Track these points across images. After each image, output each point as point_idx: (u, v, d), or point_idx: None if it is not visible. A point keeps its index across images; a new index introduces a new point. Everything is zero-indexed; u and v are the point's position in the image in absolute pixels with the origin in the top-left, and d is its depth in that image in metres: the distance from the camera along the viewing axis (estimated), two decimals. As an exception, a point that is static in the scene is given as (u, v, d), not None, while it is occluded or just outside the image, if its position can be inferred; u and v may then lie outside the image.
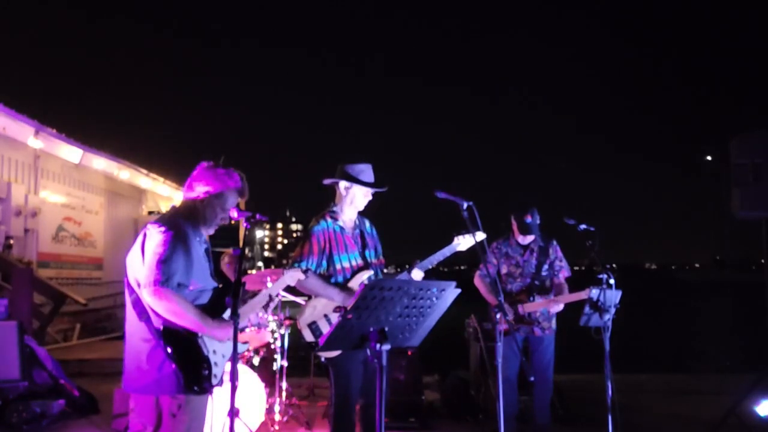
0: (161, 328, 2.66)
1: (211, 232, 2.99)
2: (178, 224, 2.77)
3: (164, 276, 2.60)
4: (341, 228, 3.69)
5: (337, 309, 3.51)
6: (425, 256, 3.80)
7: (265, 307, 3.08)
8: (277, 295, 5.69)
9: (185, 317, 2.63)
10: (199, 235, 2.89)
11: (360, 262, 3.69)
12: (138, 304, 2.70)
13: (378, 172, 3.75)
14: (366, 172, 3.71)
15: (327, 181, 3.79)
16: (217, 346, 2.78)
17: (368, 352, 2.45)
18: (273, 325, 5.51)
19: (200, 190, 2.88)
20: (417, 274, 3.74)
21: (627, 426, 4.40)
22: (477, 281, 4.77)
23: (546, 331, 4.64)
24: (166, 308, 2.61)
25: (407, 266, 3.87)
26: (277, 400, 5.38)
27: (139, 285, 2.68)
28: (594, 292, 4.10)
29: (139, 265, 2.69)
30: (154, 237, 2.69)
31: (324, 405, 6.03)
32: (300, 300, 6.24)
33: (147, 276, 2.62)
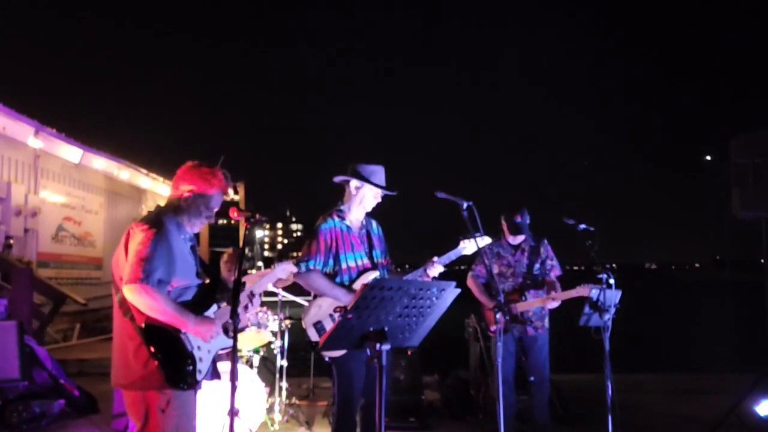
0: (143, 325, 2.69)
1: (197, 229, 3.02)
2: (162, 222, 2.81)
3: (144, 273, 2.63)
4: (348, 227, 3.68)
5: (338, 309, 3.51)
6: (422, 258, 3.78)
7: (246, 306, 3.08)
8: (277, 294, 5.68)
9: (165, 313, 2.66)
10: (184, 233, 2.92)
11: (366, 262, 3.68)
12: (123, 302, 2.74)
13: (388, 175, 3.73)
14: (378, 173, 3.69)
15: (337, 179, 3.77)
16: (201, 342, 2.81)
17: (368, 351, 2.45)
18: (273, 325, 5.52)
19: (184, 188, 2.92)
20: (436, 270, 3.69)
21: (627, 426, 4.41)
22: (470, 282, 4.77)
23: (539, 330, 4.65)
24: (146, 304, 2.65)
25: (407, 266, 3.87)
26: (277, 400, 5.38)
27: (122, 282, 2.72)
28: (594, 292, 4.09)
29: (123, 264, 2.73)
30: (137, 235, 2.74)
31: (324, 405, 6.03)
32: (301, 299, 6.24)
33: (128, 273, 2.66)
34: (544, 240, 4.82)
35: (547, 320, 4.70)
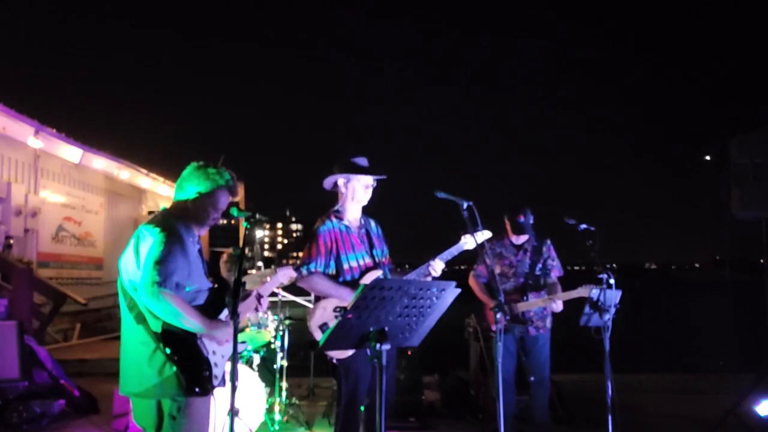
0: (160, 330, 2.64)
1: (204, 232, 2.97)
2: (172, 225, 2.75)
3: (162, 277, 2.58)
4: (347, 227, 3.67)
5: (338, 309, 3.50)
6: (422, 258, 3.78)
7: (256, 308, 3.10)
8: (277, 295, 5.68)
9: (184, 318, 2.61)
10: (192, 235, 2.87)
11: (368, 261, 3.67)
12: (134, 307, 2.69)
13: (375, 163, 3.71)
14: (361, 162, 3.69)
15: (327, 182, 3.77)
16: (216, 347, 2.78)
17: (369, 351, 2.45)
18: (273, 326, 5.52)
19: (191, 190, 2.86)
20: (439, 266, 3.68)
21: (627, 426, 4.40)
22: (471, 281, 4.77)
23: (541, 330, 4.63)
24: (166, 310, 2.58)
25: (407, 266, 3.86)
26: (277, 400, 5.38)
27: (135, 288, 2.66)
28: (594, 292, 4.09)
29: (135, 268, 2.66)
30: (149, 239, 2.66)
31: (324, 405, 6.02)
32: (301, 299, 6.24)
33: (144, 278, 2.59)
34: (547, 240, 4.80)
35: (549, 320, 4.68)
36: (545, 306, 4.57)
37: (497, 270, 4.74)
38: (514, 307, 4.57)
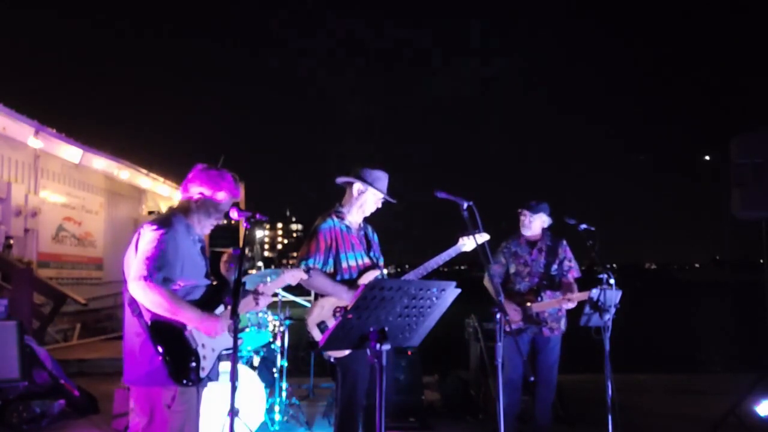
0: (150, 321, 2.75)
1: (206, 231, 3.10)
2: (171, 223, 2.88)
3: (149, 271, 2.70)
4: (347, 227, 3.70)
5: (338, 309, 3.51)
6: (422, 258, 3.79)
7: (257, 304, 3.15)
8: (275, 294, 5.68)
9: (170, 309, 2.72)
10: (192, 234, 2.99)
11: (366, 261, 3.70)
12: (132, 300, 2.80)
13: (391, 183, 3.77)
14: (382, 180, 3.73)
15: (340, 180, 3.79)
16: (206, 341, 2.87)
17: (368, 352, 2.45)
18: (273, 326, 5.51)
19: (194, 191, 3.00)
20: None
21: (627, 426, 4.41)
22: (486, 281, 4.76)
23: (554, 331, 4.60)
24: (151, 300, 2.70)
25: (407, 266, 3.88)
26: (277, 400, 5.38)
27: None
28: (594, 292, 4.10)
29: (132, 263, 2.80)
30: (147, 235, 2.81)
31: (324, 405, 6.02)
32: (301, 300, 6.24)
33: (134, 271, 2.73)
34: (563, 240, 4.79)
35: (563, 322, 4.65)
36: (560, 307, 4.55)
37: (512, 269, 4.74)
38: (529, 308, 4.56)
